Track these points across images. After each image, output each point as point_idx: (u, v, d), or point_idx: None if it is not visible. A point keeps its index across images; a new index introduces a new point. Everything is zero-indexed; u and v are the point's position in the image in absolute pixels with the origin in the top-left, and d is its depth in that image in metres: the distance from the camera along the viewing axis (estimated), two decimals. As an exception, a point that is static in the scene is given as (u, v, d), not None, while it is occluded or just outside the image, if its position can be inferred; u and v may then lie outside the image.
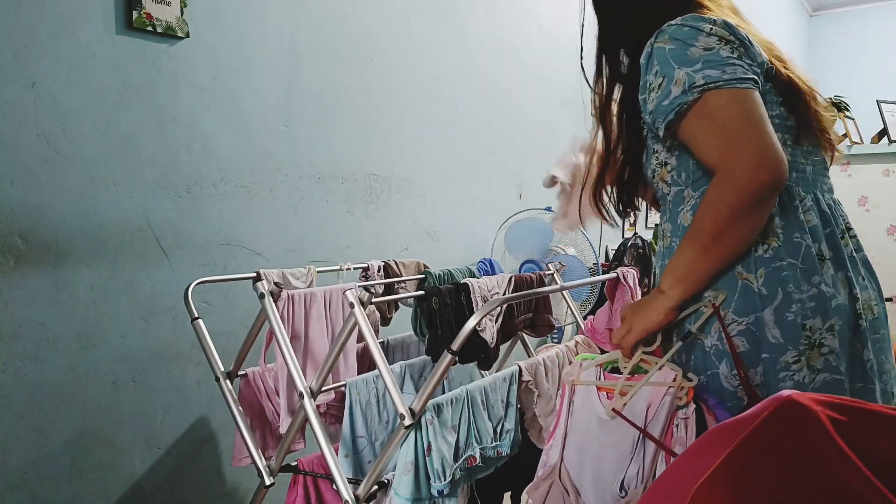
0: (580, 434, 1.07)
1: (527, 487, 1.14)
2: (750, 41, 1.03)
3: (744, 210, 0.96)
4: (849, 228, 1.12)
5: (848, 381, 1.03)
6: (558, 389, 1.22)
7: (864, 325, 1.05)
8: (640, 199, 1.28)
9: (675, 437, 0.99)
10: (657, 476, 0.98)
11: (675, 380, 1.02)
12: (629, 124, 1.18)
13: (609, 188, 1.24)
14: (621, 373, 1.07)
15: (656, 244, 1.27)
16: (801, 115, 1.09)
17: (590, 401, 1.07)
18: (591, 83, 1.22)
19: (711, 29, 1.01)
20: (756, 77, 1.00)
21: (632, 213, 1.27)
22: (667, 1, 1.10)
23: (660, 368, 1.04)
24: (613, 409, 1.02)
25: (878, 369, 1.07)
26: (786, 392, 0.70)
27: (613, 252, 3.64)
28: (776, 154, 0.95)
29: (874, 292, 1.10)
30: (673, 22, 1.04)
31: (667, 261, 1.10)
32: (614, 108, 1.20)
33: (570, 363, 1.16)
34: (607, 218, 1.30)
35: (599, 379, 1.08)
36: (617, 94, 1.19)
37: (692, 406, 1.00)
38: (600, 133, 1.22)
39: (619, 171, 1.21)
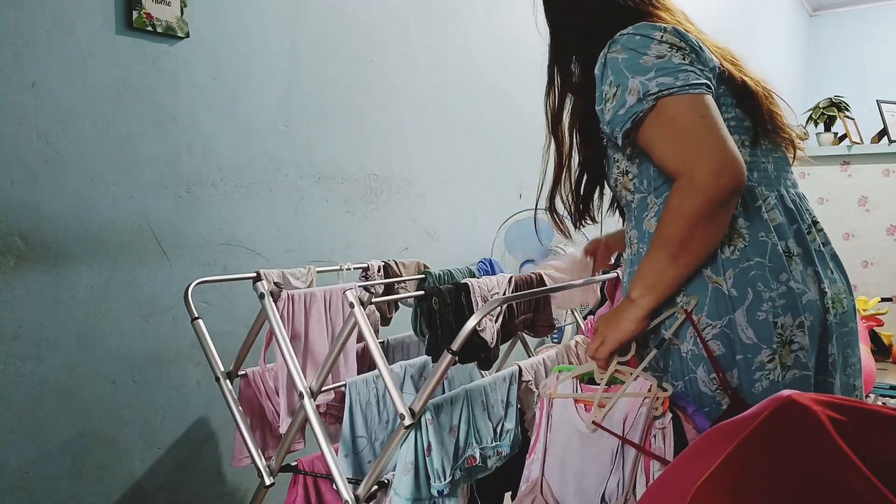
0: (560, 447, 1.06)
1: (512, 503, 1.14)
2: (701, 46, 1.05)
3: (706, 215, 0.97)
4: (815, 223, 1.12)
5: (813, 375, 1.04)
6: (536, 402, 1.20)
7: (831, 319, 1.06)
8: (594, 209, 1.31)
9: (654, 448, 0.99)
10: (637, 487, 0.99)
11: (650, 390, 1.02)
12: (585, 135, 1.19)
13: (567, 199, 1.26)
14: (598, 384, 1.07)
15: (623, 253, 1.28)
16: (756, 115, 1.10)
17: (568, 413, 1.06)
18: (544, 94, 1.23)
19: (662, 37, 1.02)
20: (708, 82, 1.02)
21: (587, 223, 1.30)
22: (618, 11, 1.11)
23: (635, 379, 1.04)
24: (594, 422, 1.02)
25: (841, 363, 1.09)
26: (786, 392, 0.70)
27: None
28: (733, 157, 0.96)
29: (843, 285, 1.12)
30: (625, 31, 1.05)
31: (636, 268, 1.10)
32: (566, 119, 1.21)
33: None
34: (563, 229, 1.32)
35: (576, 391, 1.08)
36: (569, 105, 1.20)
37: (669, 415, 1.00)
38: (552, 144, 1.23)
39: (576, 182, 1.23)
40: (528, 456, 1.10)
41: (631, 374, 1.05)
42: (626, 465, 1.00)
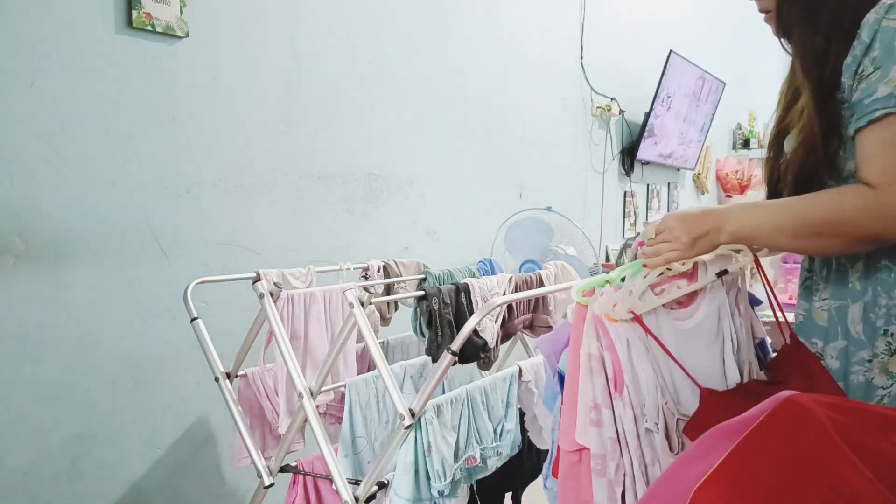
0: (656, 358, 0.94)
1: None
2: None
3: (863, 240, 0.90)
4: None
5: None
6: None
7: None
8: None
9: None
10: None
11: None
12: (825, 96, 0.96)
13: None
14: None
15: None
16: None
17: (655, 319, 0.95)
18: (801, 30, 0.98)
19: None
20: None
21: None
22: None
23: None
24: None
25: None
26: (786, 392, 0.70)
27: (615, 252, 3.65)
28: None
29: None
30: None
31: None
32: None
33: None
34: None
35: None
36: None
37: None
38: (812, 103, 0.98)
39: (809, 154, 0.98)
40: (617, 391, 0.93)
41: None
42: (736, 330, 0.98)
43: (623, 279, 0.99)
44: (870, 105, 0.88)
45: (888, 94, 0.86)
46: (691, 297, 0.99)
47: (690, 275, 0.99)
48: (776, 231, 0.94)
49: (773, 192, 1.08)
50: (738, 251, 1.00)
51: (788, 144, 1.03)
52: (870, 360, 0.98)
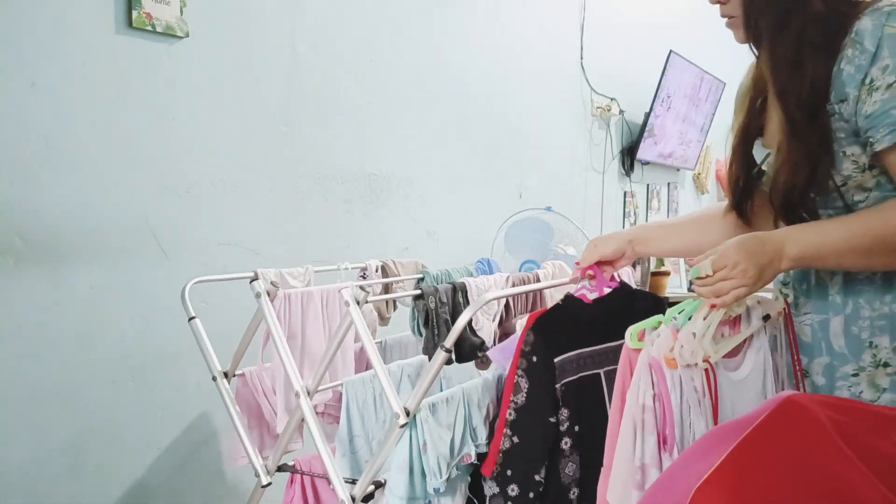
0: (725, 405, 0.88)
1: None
2: None
3: None
4: None
5: None
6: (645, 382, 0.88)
7: None
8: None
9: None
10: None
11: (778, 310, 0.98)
12: (813, 109, 0.91)
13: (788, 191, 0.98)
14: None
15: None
16: None
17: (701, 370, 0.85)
18: (766, 35, 0.94)
19: None
20: None
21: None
22: None
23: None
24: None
25: None
26: (786, 392, 0.70)
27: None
28: None
29: None
30: None
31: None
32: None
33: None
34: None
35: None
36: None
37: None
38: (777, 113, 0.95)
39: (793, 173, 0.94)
40: (668, 449, 0.82)
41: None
42: (778, 379, 0.96)
43: (673, 318, 0.89)
44: None
45: None
46: (738, 346, 0.93)
47: (733, 322, 0.94)
48: (847, 250, 0.89)
49: (739, 199, 1.06)
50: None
51: (769, 161, 0.99)
52: (855, 375, 0.96)
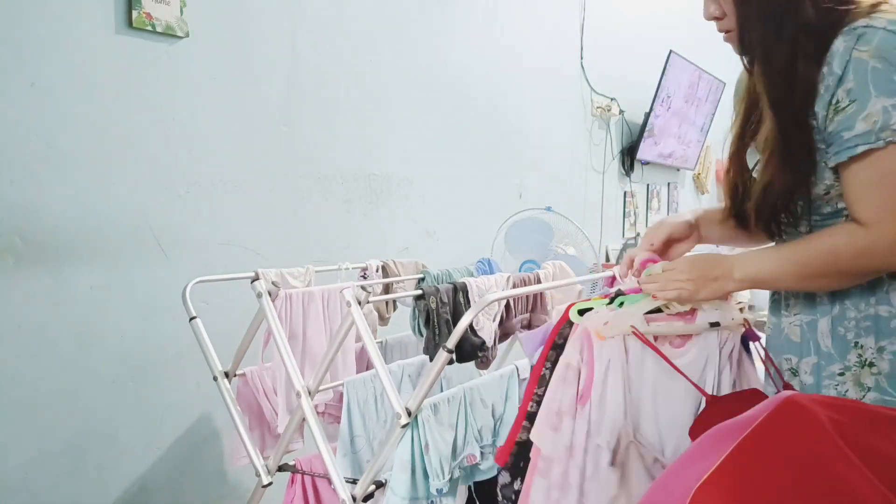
0: (641, 387, 0.98)
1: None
2: None
3: (860, 274, 0.93)
4: None
5: None
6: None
7: None
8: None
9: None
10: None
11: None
12: (801, 120, 0.95)
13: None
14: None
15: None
16: None
17: (640, 352, 0.97)
18: (768, 39, 0.95)
19: None
20: None
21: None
22: None
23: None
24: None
25: None
26: (786, 393, 0.70)
27: (615, 252, 3.65)
28: None
29: None
30: (880, 24, 0.86)
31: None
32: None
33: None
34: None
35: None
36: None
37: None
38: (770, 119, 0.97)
39: (779, 176, 0.98)
40: (581, 402, 0.96)
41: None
42: (720, 382, 1.01)
43: (621, 304, 1.01)
44: (850, 140, 0.88)
45: (867, 130, 0.87)
46: (684, 338, 1.02)
47: (689, 318, 1.02)
48: (781, 275, 0.97)
49: (737, 207, 1.09)
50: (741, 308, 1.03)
51: (758, 169, 1.02)
52: (841, 374, 0.99)
